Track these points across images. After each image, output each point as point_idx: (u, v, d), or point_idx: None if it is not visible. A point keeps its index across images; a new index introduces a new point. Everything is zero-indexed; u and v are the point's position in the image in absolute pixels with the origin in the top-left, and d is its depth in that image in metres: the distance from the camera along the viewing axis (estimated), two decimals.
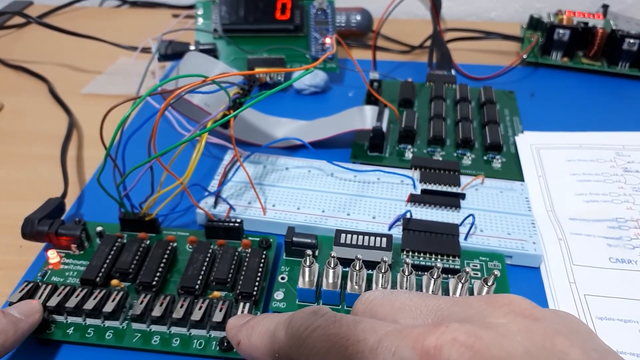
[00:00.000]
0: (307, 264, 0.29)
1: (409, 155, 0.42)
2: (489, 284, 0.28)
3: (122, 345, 0.28)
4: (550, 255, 0.34)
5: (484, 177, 0.39)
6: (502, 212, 0.36)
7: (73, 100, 0.51)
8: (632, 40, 0.53)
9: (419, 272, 0.32)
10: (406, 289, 0.29)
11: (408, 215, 0.35)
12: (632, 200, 0.38)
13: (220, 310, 0.28)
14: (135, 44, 0.58)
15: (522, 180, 0.40)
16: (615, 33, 0.53)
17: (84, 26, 0.61)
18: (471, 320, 0.19)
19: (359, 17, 0.63)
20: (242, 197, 0.37)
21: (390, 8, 0.51)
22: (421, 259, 0.32)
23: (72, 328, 0.29)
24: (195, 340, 0.28)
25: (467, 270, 0.28)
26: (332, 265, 0.29)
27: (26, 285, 0.29)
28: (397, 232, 0.34)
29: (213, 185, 0.38)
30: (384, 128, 0.42)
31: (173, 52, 0.54)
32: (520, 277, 0.33)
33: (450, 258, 0.32)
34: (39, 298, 0.29)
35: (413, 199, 0.37)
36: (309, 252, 0.30)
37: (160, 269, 0.31)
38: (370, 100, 0.48)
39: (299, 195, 0.37)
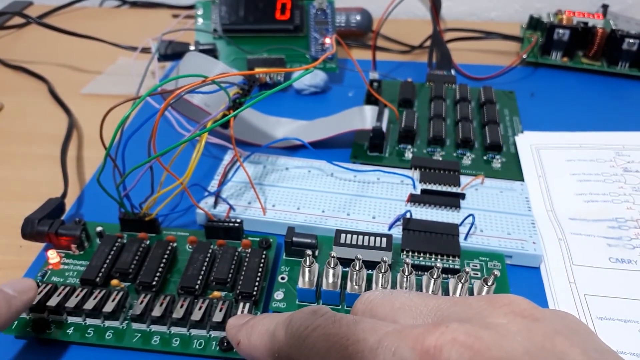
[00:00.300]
0: (307, 264, 0.29)
1: (408, 155, 0.42)
2: (489, 284, 0.28)
3: (122, 345, 0.28)
4: (550, 255, 0.34)
5: (484, 177, 0.39)
6: (502, 212, 0.36)
7: (73, 100, 0.51)
8: (631, 40, 0.53)
9: (419, 272, 0.32)
10: (406, 289, 0.29)
11: (408, 215, 0.35)
12: (632, 200, 0.38)
13: (220, 310, 0.28)
14: (135, 44, 0.58)
15: (522, 180, 0.40)
16: (615, 33, 0.53)
17: (84, 26, 0.61)
18: (471, 321, 0.19)
19: (358, 17, 0.63)
20: (242, 197, 0.37)
21: (390, 8, 0.51)
22: (421, 259, 0.32)
23: (72, 328, 0.29)
24: (195, 340, 0.28)
25: (467, 270, 0.28)
26: (332, 265, 0.29)
27: None
28: (397, 232, 0.34)
29: (213, 185, 0.38)
30: (384, 128, 0.42)
31: (173, 52, 0.54)
32: (520, 277, 0.33)
33: (450, 258, 0.32)
34: (39, 298, 0.29)
35: (413, 199, 0.37)
36: (309, 252, 0.30)
37: (160, 269, 0.31)
38: (370, 100, 0.48)
39: (299, 195, 0.37)
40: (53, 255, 0.32)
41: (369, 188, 0.38)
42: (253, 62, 0.51)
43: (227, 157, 0.41)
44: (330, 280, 0.29)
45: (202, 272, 0.30)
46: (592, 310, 0.31)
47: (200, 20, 0.56)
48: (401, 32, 0.64)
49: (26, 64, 0.58)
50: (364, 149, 0.43)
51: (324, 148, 0.43)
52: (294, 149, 0.44)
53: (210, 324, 0.28)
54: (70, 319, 0.29)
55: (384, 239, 0.31)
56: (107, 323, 0.29)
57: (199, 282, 0.30)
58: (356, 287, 0.29)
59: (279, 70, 0.52)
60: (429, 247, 0.33)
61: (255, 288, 0.30)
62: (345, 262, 0.31)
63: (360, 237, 0.32)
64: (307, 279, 0.30)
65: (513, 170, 0.41)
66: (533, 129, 0.45)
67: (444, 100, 0.48)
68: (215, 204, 0.36)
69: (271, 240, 0.34)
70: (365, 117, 0.42)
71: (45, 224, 0.33)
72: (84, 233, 0.33)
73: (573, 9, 0.57)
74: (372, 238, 0.31)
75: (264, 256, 0.32)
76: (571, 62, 0.56)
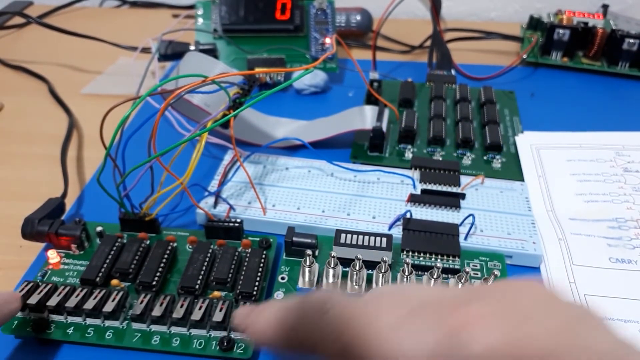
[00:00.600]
0: (307, 264, 0.29)
1: (409, 155, 0.42)
2: (489, 284, 0.28)
3: (122, 345, 0.28)
4: (550, 255, 0.34)
5: (484, 177, 0.39)
6: (502, 212, 0.36)
7: (73, 100, 0.51)
8: (632, 40, 0.53)
9: (419, 272, 0.32)
10: None
11: (408, 215, 0.35)
12: (632, 200, 0.38)
13: (220, 310, 0.28)
14: (135, 44, 0.58)
15: (522, 180, 0.40)
16: (615, 33, 0.53)
17: (84, 26, 0.61)
18: (494, 302, 0.18)
19: (358, 17, 0.63)
20: (242, 197, 0.37)
21: (390, 8, 0.51)
22: (421, 259, 0.32)
23: (72, 328, 0.29)
24: (195, 340, 0.28)
25: (467, 270, 0.29)
26: (332, 265, 0.29)
27: (26, 285, 0.29)
28: (397, 232, 0.34)
29: (213, 185, 0.38)
30: (384, 128, 0.42)
31: (173, 52, 0.54)
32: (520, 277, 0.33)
33: (450, 258, 0.32)
34: (39, 298, 0.29)
35: (413, 199, 0.37)
36: (309, 252, 0.30)
37: (160, 269, 0.31)
38: (370, 100, 0.48)
39: (299, 195, 0.37)
40: (53, 255, 0.32)
41: (369, 188, 0.38)
42: (253, 62, 0.51)
43: (227, 157, 0.41)
44: (330, 280, 0.30)
45: (202, 272, 0.30)
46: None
47: (200, 20, 0.56)
48: (401, 32, 0.64)
49: (26, 64, 0.58)
50: (364, 149, 0.43)
51: (324, 148, 0.43)
52: (294, 149, 0.44)
53: (210, 323, 0.28)
54: (70, 319, 0.29)
55: (384, 239, 0.31)
56: (107, 323, 0.29)
57: (199, 282, 0.30)
58: (356, 287, 0.29)
59: (279, 70, 0.52)
60: (429, 247, 0.33)
61: (255, 288, 0.30)
62: (346, 262, 0.31)
63: (360, 237, 0.32)
64: (307, 278, 0.30)
65: (513, 170, 0.41)
66: (533, 129, 0.45)
67: (444, 100, 0.48)
68: (216, 204, 0.36)
69: (271, 240, 0.34)
70: (365, 117, 0.42)
71: (45, 224, 0.33)
72: (84, 233, 0.33)
73: (573, 9, 0.57)
74: (372, 238, 0.31)
75: (264, 256, 0.32)
76: (571, 62, 0.56)
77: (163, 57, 0.54)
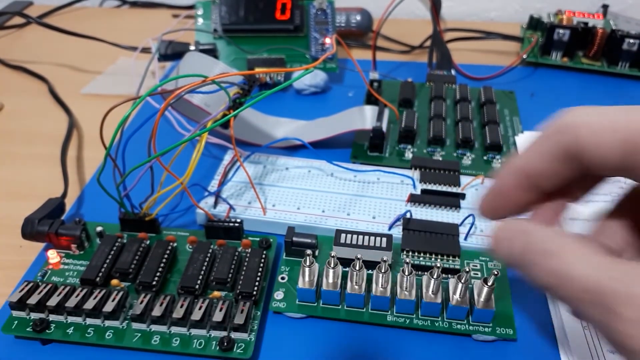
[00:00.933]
0: (307, 263, 0.29)
1: (409, 155, 0.42)
2: (489, 284, 0.28)
3: (122, 345, 0.28)
4: None
5: (484, 177, 0.39)
6: None
7: (73, 100, 0.51)
8: (632, 40, 0.53)
9: (419, 272, 0.32)
10: (406, 289, 0.29)
11: (408, 215, 0.35)
12: None
13: (220, 310, 0.28)
14: (135, 44, 0.58)
15: None
16: (615, 33, 0.53)
17: (84, 26, 0.61)
18: None
19: (358, 17, 0.63)
20: (242, 197, 0.37)
21: (390, 8, 0.51)
22: (421, 258, 0.32)
23: (72, 328, 0.29)
24: (195, 340, 0.28)
25: (467, 270, 0.28)
26: (332, 265, 0.29)
27: (26, 285, 0.29)
28: (397, 232, 0.34)
29: (213, 185, 0.38)
30: (384, 128, 0.42)
31: (173, 52, 0.54)
32: (520, 277, 0.33)
33: (450, 258, 0.32)
34: (39, 298, 0.29)
35: (413, 199, 0.37)
36: (309, 252, 0.30)
37: (160, 269, 0.31)
38: (370, 100, 0.48)
39: (299, 195, 0.37)
40: (53, 255, 0.32)
41: (369, 188, 0.38)
42: (253, 62, 0.51)
43: (227, 157, 0.41)
44: (330, 280, 0.30)
45: (202, 272, 0.30)
46: None
47: (200, 20, 0.56)
48: (401, 32, 0.64)
49: (26, 64, 0.58)
50: (364, 149, 0.43)
51: (324, 148, 0.43)
52: (294, 149, 0.44)
53: (210, 323, 0.28)
54: (70, 319, 0.29)
55: (384, 239, 0.31)
56: (107, 323, 0.29)
57: (199, 282, 0.30)
58: (356, 287, 0.29)
59: (279, 70, 0.52)
60: (429, 247, 0.33)
61: (255, 288, 0.30)
62: (346, 262, 0.31)
63: (360, 237, 0.32)
64: (307, 278, 0.30)
65: None
66: (533, 129, 0.45)
67: (444, 100, 0.48)
68: (216, 204, 0.36)
69: (271, 240, 0.34)
70: (365, 117, 0.42)
71: (45, 224, 0.33)
72: (84, 233, 0.33)
73: (573, 9, 0.57)
74: (372, 238, 0.31)
75: (264, 256, 0.32)
76: (571, 62, 0.56)
77: (163, 57, 0.54)
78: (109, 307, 0.28)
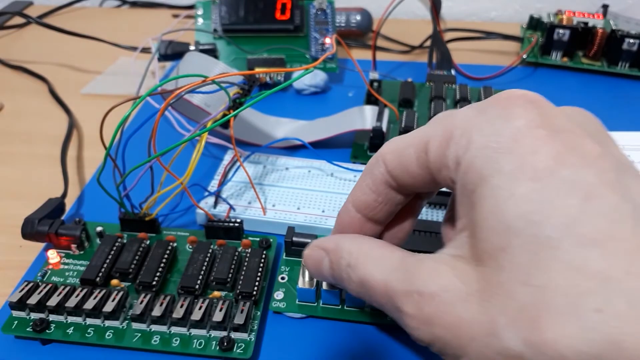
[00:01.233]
0: None
1: None
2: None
3: (122, 345, 0.28)
4: None
5: None
6: None
7: (73, 100, 0.51)
8: (632, 40, 0.53)
9: None
10: None
11: None
12: None
13: (220, 310, 0.28)
14: (135, 44, 0.58)
15: None
16: (615, 33, 0.53)
17: (84, 26, 0.61)
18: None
19: (358, 17, 0.63)
20: (242, 197, 0.37)
21: (390, 8, 0.51)
22: None
23: (72, 328, 0.29)
24: (195, 340, 0.28)
25: None
26: None
27: (26, 285, 0.29)
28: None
29: (213, 185, 0.38)
30: (384, 128, 0.42)
31: (173, 52, 0.54)
32: None
33: None
34: (39, 298, 0.29)
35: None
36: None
37: (160, 269, 0.31)
38: (370, 100, 0.48)
39: (299, 195, 0.37)
40: (53, 255, 0.32)
41: None
42: (253, 62, 0.51)
43: (227, 157, 0.41)
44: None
45: (202, 272, 0.30)
46: None
47: (200, 20, 0.56)
48: (401, 32, 0.64)
49: (26, 64, 0.58)
50: (364, 149, 0.43)
51: (324, 148, 0.43)
52: (294, 149, 0.44)
53: (210, 323, 0.28)
54: (70, 319, 0.29)
55: None
56: (107, 323, 0.29)
57: (199, 282, 0.30)
58: None
59: (279, 70, 0.52)
60: (429, 247, 0.33)
61: (255, 288, 0.30)
62: None
63: None
64: (307, 278, 0.30)
65: None
66: None
67: (444, 100, 0.48)
68: (216, 204, 0.36)
69: (271, 240, 0.34)
70: (365, 117, 0.42)
71: (45, 224, 0.33)
72: (84, 233, 0.33)
73: (573, 9, 0.57)
74: None
75: (264, 256, 0.32)
76: (571, 62, 0.56)
77: (163, 57, 0.54)
78: (109, 307, 0.28)
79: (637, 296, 0.15)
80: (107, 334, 0.28)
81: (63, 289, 0.29)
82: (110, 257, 0.31)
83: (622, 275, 0.15)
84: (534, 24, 0.58)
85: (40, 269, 0.32)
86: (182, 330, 0.28)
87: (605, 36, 0.54)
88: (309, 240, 0.32)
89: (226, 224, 0.33)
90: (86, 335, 0.28)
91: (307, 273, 0.30)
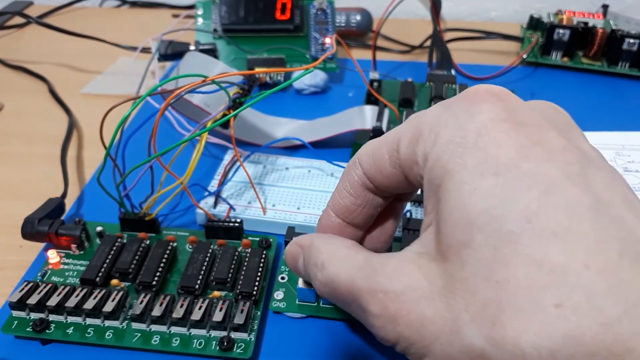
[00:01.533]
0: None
1: None
2: None
3: (122, 345, 0.28)
4: None
5: None
6: None
7: (73, 100, 0.51)
8: (632, 40, 0.53)
9: None
10: None
11: (408, 215, 0.35)
12: None
13: (220, 310, 0.28)
14: (135, 44, 0.58)
15: None
16: (615, 33, 0.53)
17: (84, 26, 0.61)
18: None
19: (359, 17, 0.63)
20: (242, 197, 0.37)
21: (390, 8, 0.51)
22: None
23: (72, 328, 0.29)
24: (195, 340, 0.28)
25: None
26: None
27: (26, 285, 0.29)
28: (397, 232, 0.34)
29: (213, 185, 0.38)
30: (384, 128, 0.42)
31: (173, 52, 0.54)
32: None
33: None
34: (39, 298, 0.29)
35: (413, 199, 0.37)
36: None
37: (160, 269, 0.31)
38: (370, 100, 0.48)
39: (299, 195, 0.37)
40: (53, 255, 0.32)
41: None
42: (253, 62, 0.51)
43: (227, 157, 0.41)
44: None
45: (202, 272, 0.30)
46: None
47: (200, 20, 0.56)
48: (401, 32, 0.64)
49: (26, 64, 0.58)
50: None
51: (324, 148, 0.43)
52: (294, 148, 0.44)
53: (210, 323, 0.28)
54: (70, 319, 0.29)
55: None
56: (107, 323, 0.29)
57: (199, 281, 0.30)
58: None
59: (279, 70, 0.52)
60: None
61: (255, 288, 0.30)
62: None
63: None
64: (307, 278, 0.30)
65: None
66: None
67: None
68: (215, 204, 0.36)
69: (271, 240, 0.34)
70: (365, 117, 0.42)
71: (45, 224, 0.33)
72: (84, 233, 0.33)
73: (573, 9, 0.57)
74: None
75: (264, 256, 0.32)
76: (571, 62, 0.56)
77: (163, 57, 0.54)
78: (108, 307, 0.28)
79: (595, 290, 0.15)
80: (107, 334, 0.28)
81: (63, 289, 0.29)
82: (110, 257, 0.31)
83: (580, 269, 0.15)
84: (534, 23, 0.58)
85: (40, 269, 0.32)
86: (182, 330, 0.28)
87: (605, 36, 0.54)
88: None
89: (226, 223, 0.33)
90: (86, 335, 0.28)
91: None
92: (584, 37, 0.55)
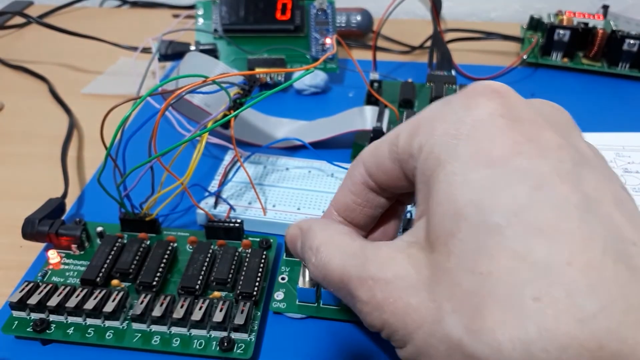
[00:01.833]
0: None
1: None
2: None
3: (122, 345, 0.28)
4: None
5: None
6: None
7: (73, 100, 0.51)
8: (632, 41, 0.53)
9: None
10: None
11: (408, 216, 0.35)
12: None
13: (221, 310, 0.28)
14: (135, 44, 0.58)
15: None
16: (615, 34, 0.53)
17: (84, 26, 0.61)
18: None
19: (359, 18, 0.63)
20: (242, 197, 0.37)
21: (391, 8, 0.51)
22: None
23: (72, 328, 0.29)
24: (196, 341, 0.28)
25: None
26: None
27: (26, 285, 0.29)
28: (397, 233, 0.34)
29: (213, 186, 0.38)
30: (384, 129, 0.42)
31: (173, 52, 0.54)
32: None
33: None
34: (39, 298, 0.29)
35: (413, 199, 0.37)
36: None
37: (160, 269, 0.31)
38: (371, 100, 0.48)
39: (299, 195, 0.37)
40: (53, 255, 0.32)
41: None
42: (253, 62, 0.51)
43: (228, 157, 0.41)
44: None
45: (203, 272, 0.30)
46: None
47: (200, 20, 0.56)
48: (401, 32, 0.64)
49: (26, 64, 0.58)
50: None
51: (324, 148, 0.43)
52: (294, 149, 0.44)
53: (210, 324, 0.28)
54: (71, 319, 0.29)
55: None
56: (107, 323, 0.29)
57: (199, 282, 0.30)
58: None
59: (280, 70, 0.52)
60: None
61: (256, 288, 0.30)
62: None
63: None
64: (307, 278, 0.30)
65: None
66: None
67: None
68: (216, 204, 0.36)
69: (271, 240, 0.34)
70: (365, 118, 0.42)
71: (45, 224, 0.33)
72: (84, 233, 0.33)
73: (573, 9, 0.57)
74: None
75: (264, 256, 0.32)
76: (571, 62, 0.56)
77: (163, 57, 0.54)
78: (109, 307, 0.28)
79: (575, 287, 0.15)
80: (108, 334, 0.28)
81: (63, 289, 0.29)
82: (110, 257, 0.31)
83: (563, 265, 0.15)
84: (534, 24, 0.58)
85: (41, 269, 0.32)
86: (183, 330, 0.28)
87: (606, 37, 0.54)
88: None
89: (226, 224, 0.33)
90: (86, 335, 0.28)
91: (307, 273, 0.30)
92: (584, 37, 0.55)
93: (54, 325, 0.29)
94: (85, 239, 0.33)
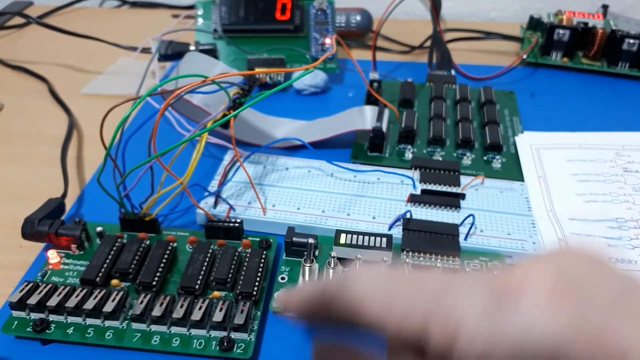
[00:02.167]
0: (307, 263, 0.30)
1: (409, 155, 0.42)
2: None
3: (122, 345, 0.28)
4: None
5: (484, 177, 0.39)
6: (502, 212, 0.36)
7: (73, 100, 0.51)
8: (631, 41, 0.53)
9: None
10: None
11: (408, 215, 0.35)
12: (632, 200, 0.38)
13: (220, 310, 0.28)
14: (135, 44, 0.58)
15: (522, 180, 0.40)
16: (615, 33, 0.53)
17: (84, 26, 0.61)
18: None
19: (358, 18, 0.63)
20: (242, 197, 0.37)
21: (390, 8, 0.51)
22: (421, 259, 0.32)
23: (72, 328, 0.29)
24: (195, 340, 0.28)
25: (467, 270, 0.28)
26: (332, 265, 0.29)
27: (26, 285, 0.29)
28: (397, 232, 0.34)
29: (213, 186, 0.38)
30: (384, 128, 0.42)
31: (173, 52, 0.54)
32: None
33: (450, 258, 0.32)
34: (39, 298, 0.29)
35: (413, 199, 0.37)
36: (312, 241, 0.29)
37: (160, 269, 0.31)
38: (370, 100, 0.48)
39: (299, 195, 0.37)
40: (53, 255, 0.32)
41: (369, 188, 0.38)
42: (253, 62, 0.51)
43: (227, 157, 0.41)
44: None
45: (202, 272, 0.30)
46: None
47: (200, 21, 0.56)
48: (401, 32, 0.64)
49: (26, 64, 0.58)
50: (364, 149, 0.43)
51: (324, 148, 0.43)
52: (294, 149, 0.44)
53: (210, 324, 0.28)
54: (70, 319, 0.29)
55: (384, 239, 0.31)
56: (107, 323, 0.29)
57: (199, 282, 0.30)
58: None
59: (279, 70, 0.52)
60: (429, 247, 0.33)
61: (255, 288, 0.30)
62: (346, 262, 0.31)
63: (361, 237, 0.32)
64: (307, 278, 0.30)
65: (513, 171, 0.41)
66: (533, 129, 0.45)
67: (444, 101, 0.48)
68: (216, 204, 0.36)
69: (271, 240, 0.34)
70: (365, 118, 0.42)
71: (45, 224, 0.33)
72: (84, 233, 0.33)
73: (573, 9, 0.57)
74: (372, 238, 0.31)
75: (264, 256, 0.32)
76: (571, 62, 0.56)
77: (163, 57, 0.54)
78: (109, 307, 0.28)
79: None
80: (107, 334, 0.28)
81: (63, 289, 0.29)
82: (110, 257, 0.31)
83: None
84: (534, 24, 0.58)
85: (40, 269, 0.32)
86: (182, 330, 0.28)
87: (605, 36, 0.54)
88: (309, 240, 0.32)
89: (226, 224, 0.33)
90: (86, 335, 0.28)
91: (307, 273, 0.30)
92: (584, 37, 0.55)
93: (54, 325, 0.29)
94: (84, 239, 0.33)
